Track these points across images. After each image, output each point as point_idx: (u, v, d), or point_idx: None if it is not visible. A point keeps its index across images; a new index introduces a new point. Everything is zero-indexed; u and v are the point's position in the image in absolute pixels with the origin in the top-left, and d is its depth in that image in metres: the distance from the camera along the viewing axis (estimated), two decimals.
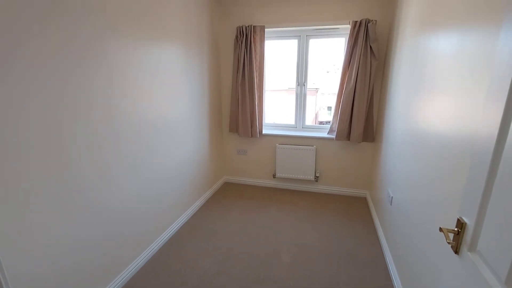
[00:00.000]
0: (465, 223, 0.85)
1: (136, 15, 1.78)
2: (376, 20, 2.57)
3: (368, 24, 2.55)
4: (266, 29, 2.94)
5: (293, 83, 3.18)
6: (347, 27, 2.75)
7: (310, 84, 3.17)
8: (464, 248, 0.84)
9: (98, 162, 1.56)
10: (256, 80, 3.02)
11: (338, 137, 2.91)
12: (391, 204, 2.06)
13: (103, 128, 1.57)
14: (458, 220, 0.87)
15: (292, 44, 3.10)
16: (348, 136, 2.92)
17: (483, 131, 0.78)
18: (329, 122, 3.25)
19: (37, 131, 1.21)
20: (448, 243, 0.87)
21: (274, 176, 3.37)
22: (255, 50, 2.96)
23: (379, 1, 2.64)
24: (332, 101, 2.99)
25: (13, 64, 1.10)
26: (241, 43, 2.94)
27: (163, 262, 2.05)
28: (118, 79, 1.65)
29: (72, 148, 1.39)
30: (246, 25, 2.89)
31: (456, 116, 1.13)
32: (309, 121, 3.32)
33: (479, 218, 0.79)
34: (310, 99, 3.31)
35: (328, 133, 3.06)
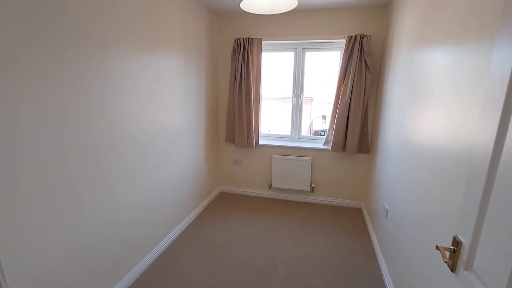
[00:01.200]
0: (461, 242, 0.86)
1: (136, 27, 1.79)
2: (370, 35, 2.64)
3: (363, 39, 2.61)
4: (263, 42, 2.99)
5: (288, 92, 3.22)
6: (343, 41, 2.81)
7: (305, 93, 3.21)
8: (460, 267, 0.86)
9: (96, 170, 1.55)
10: (253, 91, 3.05)
11: (333, 148, 2.94)
12: (386, 217, 2.08)
13: (101, 136, 1.57)
14: (454, 238, 0.89)
15: (288, 56, 3.15)
16: (344, 148, 2.95)
17: (478, 149, 0.79)
18: (323, 131, 3.29)
19: (37, 138, 1.21)
20: (445, 262, 0.88)
21: (270, 186, 3.37)
22: (252, 62, 3.00)
23: (373, 17, 2.72)
24: (327, 110, 3.04)
25: (15, 72, 1.10)
26: (239, 54, 2.97)
27: (158, 275, 2.01)
28: (116, 88, 1.66)
29: (71, 155, 1.38)
30: (244, 37, 2.94)
31: (450, 129, 1.16)
32: (304, 130, 3.35)
33: (474, 236, 0.80)
34: (305, 108, 3.34)
35: (323, 144, 3.10)
